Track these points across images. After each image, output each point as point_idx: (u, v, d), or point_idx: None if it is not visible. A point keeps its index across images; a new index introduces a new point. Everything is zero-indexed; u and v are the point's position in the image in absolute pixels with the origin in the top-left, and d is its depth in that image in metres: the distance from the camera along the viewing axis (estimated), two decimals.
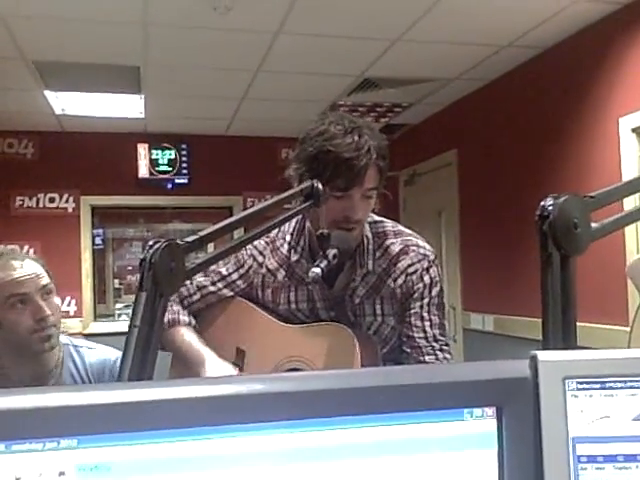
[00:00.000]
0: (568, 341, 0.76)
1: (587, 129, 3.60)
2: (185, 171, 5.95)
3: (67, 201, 5.78)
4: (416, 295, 1.59)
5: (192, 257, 0.99)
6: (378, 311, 1.61)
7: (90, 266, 5.83)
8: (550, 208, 0.80)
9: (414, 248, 1.62)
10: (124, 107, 5.04)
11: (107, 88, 4.58)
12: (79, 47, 3.77)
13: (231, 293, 1.71)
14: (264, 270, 1.67)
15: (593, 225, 0.84)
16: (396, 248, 1.61)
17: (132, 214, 6.32)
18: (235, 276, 1.69)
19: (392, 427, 0.57)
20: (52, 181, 5.71)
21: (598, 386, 0.59)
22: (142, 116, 5.28)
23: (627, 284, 3.19)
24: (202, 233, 0.99)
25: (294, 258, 1.64)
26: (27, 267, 1.58)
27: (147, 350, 0.85)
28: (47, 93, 4.60)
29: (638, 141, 3.24)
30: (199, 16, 3.34)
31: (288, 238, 1.67)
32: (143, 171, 5.87)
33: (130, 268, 6.42)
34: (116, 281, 6.40)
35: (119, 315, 6.01)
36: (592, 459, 0.59)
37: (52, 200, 5.76)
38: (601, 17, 3.44)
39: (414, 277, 1.59)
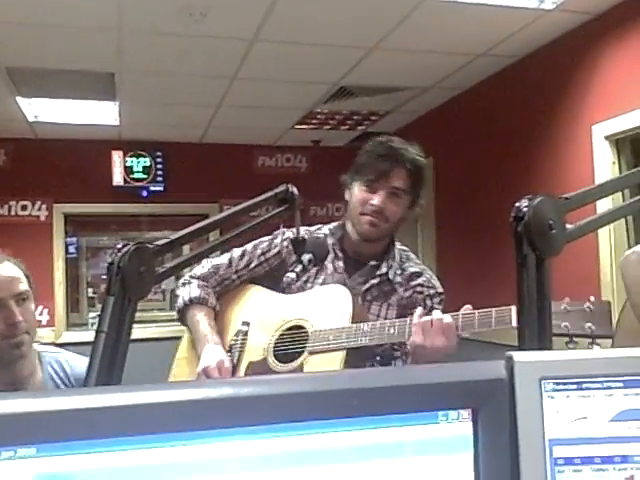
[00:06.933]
0: (543, 342, 0.75)
1: (561, 137, 3.64)
2: (160, 178, 5.89)
3: (39, 209, 5.69)
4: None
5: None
6: (382, 313, 1.74)
7: (63, 275, 5.73)
8: (525, 209, 0.80)
9: (427, 276, 1.81)
10: (98, 114, 4.97)
11: (81, 95, 4.52)
12: (52, 53, 3.71)
13: (262, 269, 1.87)
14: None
15: (568, 226, 0.84)
16: (413, 270, 1.81)
17: (106, 222, 6.24)
18: (268, 255, 1.85)
19: (366, 431, 0.56)
20: (24, 189, 5.61)
21: (575, 387, 0.57)
22: (117, 123, 5.22)
23: (601, 288, 3.22)
24: (173, 236, 0.97)
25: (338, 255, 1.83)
26: (5, 270, 1.56)
27: (115, 356, 0.83)
28: (19, 100, 4.53)
29: (611, 148, 3.28)
30: (174, 22, 3.31)
31: (326, 231, 1.86)
32: (118, 178, 5.80)
33: (104, 277, 6.31)
34: (90, 290, 6.30)
35: (92, 324, 5.92)
36: (569, 461, 0.57)
37: (24, 208, 5.66)
38: (574, 27, 3.48)
39: (420, 296, 1.77)
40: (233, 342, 1.76)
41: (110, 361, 0.80)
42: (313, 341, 1.63)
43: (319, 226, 1.88)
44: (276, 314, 1.75)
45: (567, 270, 3.09)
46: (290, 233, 1.82)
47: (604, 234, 3.17)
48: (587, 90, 3.43)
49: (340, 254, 1.79)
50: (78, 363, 1.71)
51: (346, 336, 1.59)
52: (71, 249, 6.05)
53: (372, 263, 1.78)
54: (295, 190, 1.37)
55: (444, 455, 0.57)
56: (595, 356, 0.60)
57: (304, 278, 1.80)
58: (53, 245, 5.70)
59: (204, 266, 1.87)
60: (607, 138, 3.27)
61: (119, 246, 0.86)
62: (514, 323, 1.36)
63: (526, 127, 3.94)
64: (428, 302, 1.76)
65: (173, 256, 1.03)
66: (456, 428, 0.57)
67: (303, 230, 1.82)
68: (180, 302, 1.83)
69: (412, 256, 1.87)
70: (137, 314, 0.88)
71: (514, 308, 1.37)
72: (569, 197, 0.86)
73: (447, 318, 1.47)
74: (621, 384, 0.58)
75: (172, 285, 6.19)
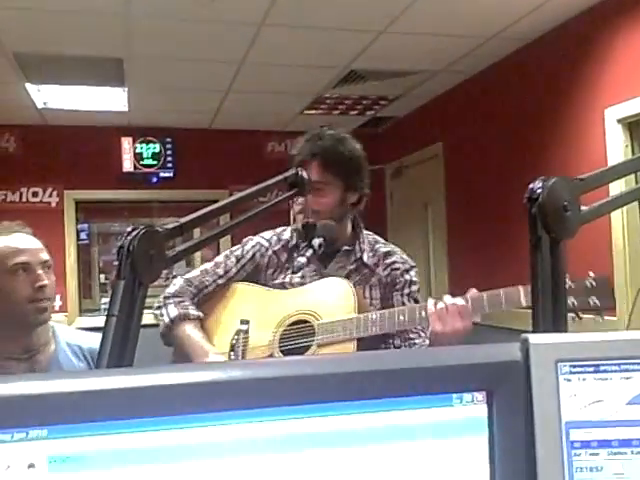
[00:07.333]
0: (558, 325, 0.74)
1: (573, 121, 3.60)
2: (170, 165, 5.89)
3: (50, 195, 5.70)
4: (398, 287, 1.84)
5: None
6: (367, 294, 1.81)
7: (75, 261, 5.76)
8: (539, 190, 0.79)
9: (399, 254, 1.90)
10: (107, 100, 4.97)
11: (90, 81, 4.51)
12: (60, 39, 3.70)
13: (240, 276, 1.91)
14: (270, 252, 1.90)
15: (583, 208, 0.83)
16: (384, 250, 1.89)
17: (117, 208, 6.25)
18: (243, 261, 1.91)
19: (378, 414, 0.55)
20: (35, 175, 5.63)
21: (592, 369, 0.57)
22: (126, 109, 5.21)
23: (614, 273, 3.20)
24: (183, 220, 0.96)
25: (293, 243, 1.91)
26: (31, 240, 1.71)
27: (126, 340, 0.83)
28: (28, 86, 4.53)
29: (624, 132, 3.24)
30: (182, 7, 3.29)
31: (288, 232, 1.93)
32: (127, 165, 5.80)
33: (116, 263, 6.33)
34: (102, 276, 6.32)
35: (105, 310, 5.91)
36: (586, 444, 0.57)
37: (35, 194, 5.68)
38: (586, 8, 3.43)
39: (397, 272, 1.85)
40: (235, 342, 1.75)
41: (121, 345, 0.80)
42: (321, 334, 1.64)
43: (283, 228, 1.95)
44: (277, 310, 1.77)
45: (579, 253, 3.07)
46: (259, 238, 1.92)
47: (616, 216, 3.14)
48: (600, 73, 3.38)
49: (310, 248, 1.85)
50: (89, 338, 1.78)
51: (356, 326, 1.61)
52: (82, 235, 6.07)
53: (345, 248, 1.85)
54: (305, 174, 1.36)
55: (459, 438, 0.57)
56: (612, 338, 0.59)
57: (282, 275, 1.85)
58: (65, 231, 5.72)
59: (175, 284, 1.90)
60: (620, 121, 3.23)
61: (129, 230, 0.86)
62: (523, 302, 1.43)
63: (538, 111, 3.90)
64: (406, 276, 1.84)
65: (184, 240, 1.02)
66: (471, 411, 0.56)
67: (270, 233, 1.93)
68: (161, 326, 1.83)
69: (379, 238, 1.94)
70: (149, 300, 0.88)
71: (522, 288, 1.45)
72: (584, 178, 0.84)
73: (460, 301, 1.51)
74: (638, 366, 0.57)
75: (184, 270, 6.22)
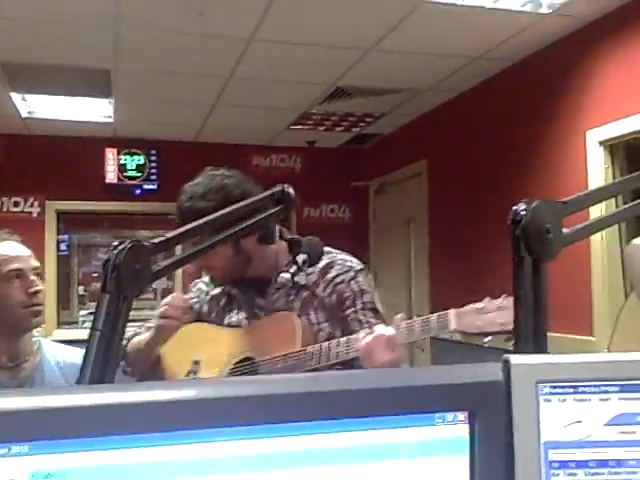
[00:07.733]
0: (539, 345, 0.75)
1: (555, 142, 3.65)
2: (154, 177, 5.87)
3: (32, 205, 5.66)
4: (348, 302, 1.69)
5: None
6: (313, 320, 1.69)
7: (54, 272, 5.70)
8: (523, 213, 0.80)
9: (340, 261, 1.73)
10: (93, 111, 4.96)
11: (76, 91, 4.50)
12: (48, 49, 3.70)
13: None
14: (208, 298, 1.88)
15: (565, 230, 0.84)
16: (323, 263, 1.69)
17: (99, 220, 6.20)
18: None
19: (360, 433, 0.56)
20: (17, 185, 5.58)
21: (571, 390, 0.58)
22: (111, 120, 5.20)
23: (592, 294, 3.23)
24: (169, 235, 0.96)
25: (233, 291, 1.84)
26: (21, 248, 1.73)
27: (109, 354, 0.82)
28: (13, 95, 4.50)
29: (605, 154, 3.29)
30: (171, 20, 3.31)
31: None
32: (111, 176, 5.78)
33: (95, 275, 6.29)
34: (81, 288, 6.27)
35: (83, 322, 5.89)
36: (564, 465, 0.57)
37: (16, 204, 5.63)
38: (570, 32, 3.50)
39: (342, 286, 1.69)
40: None
41: (104, 359, 0.80)
42: (264, 370, 1.62)
43: None
44: (225, 349, 1.75)
45: (559, 275, 3.10)
46: (201, 284, 1.89)
47: (596, 239, 3.18)
48: (582, 95, 3.44)
49: (242, 285, 1.79)
50: (72, 353, 1.79)
51: (295, 361, 1.56)
52: (62, 246, 6.02)
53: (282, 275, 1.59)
54: (291, 190, 1.37)
55: (440, 457, 0.57)
56: (592, 360, 0.60)
57: (225, 317, 1.82)
58: (45, 242, 5.67)
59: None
60: (601, 143, 3.29)
61: (115, 243, 0.86)
62: (451, 327, 1.39)
63: (520, 132, 3.95)
64: (354, 286, 1.69)
65: (165, 257, 1.02)
66: (452, 430, 0.57)
67: (196, 289, 1.90)
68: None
69: None
70: (132, 313, 0.88)
71: (454, 311, 1.41)
72: (567, 201, 0.86)
73: (389, 330, 1.44)
74: (617, 388, 0.58)
75: (164, 284, 6.18)
